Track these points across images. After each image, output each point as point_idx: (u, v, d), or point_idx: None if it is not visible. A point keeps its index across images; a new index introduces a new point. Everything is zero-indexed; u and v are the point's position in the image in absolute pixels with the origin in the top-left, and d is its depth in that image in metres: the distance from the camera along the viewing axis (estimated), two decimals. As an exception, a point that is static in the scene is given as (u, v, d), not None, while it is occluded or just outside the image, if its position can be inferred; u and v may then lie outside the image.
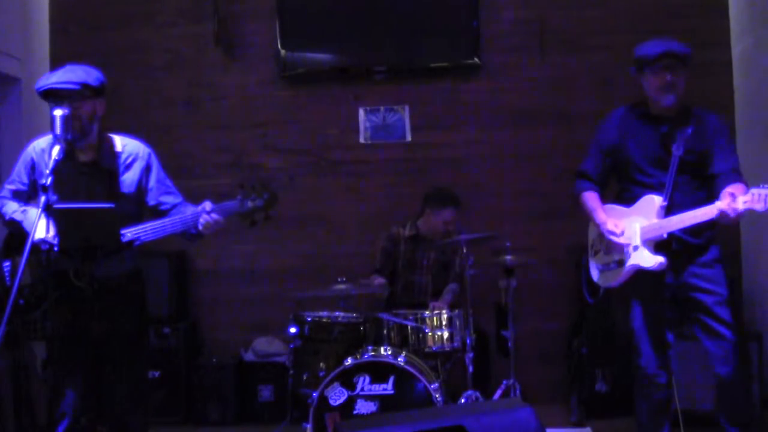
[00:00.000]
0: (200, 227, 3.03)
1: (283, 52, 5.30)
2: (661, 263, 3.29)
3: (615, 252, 3.45)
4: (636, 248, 3.35)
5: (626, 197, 3.49)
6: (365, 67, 5.31)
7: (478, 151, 5.28)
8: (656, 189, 3.35)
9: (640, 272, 3.36)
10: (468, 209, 4.73)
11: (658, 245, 3.32)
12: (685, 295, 3.37)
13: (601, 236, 3.51)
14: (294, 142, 5.39)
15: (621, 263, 3.42)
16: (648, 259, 3.32)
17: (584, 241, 5.02)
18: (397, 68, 5.30)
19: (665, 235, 3.29)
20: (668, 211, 3.30)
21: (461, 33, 5.23)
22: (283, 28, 5.28)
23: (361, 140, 5.36)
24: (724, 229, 3.41)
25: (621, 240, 3.38)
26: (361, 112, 5.36)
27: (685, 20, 5.07)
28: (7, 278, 3.00)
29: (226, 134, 5.42)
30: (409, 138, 5.32)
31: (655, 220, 3.31)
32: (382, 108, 5.34)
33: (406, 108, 5.32)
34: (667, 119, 3.39)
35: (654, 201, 3.32)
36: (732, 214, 3.06)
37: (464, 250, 4.24)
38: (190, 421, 4.96)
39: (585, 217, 3.65)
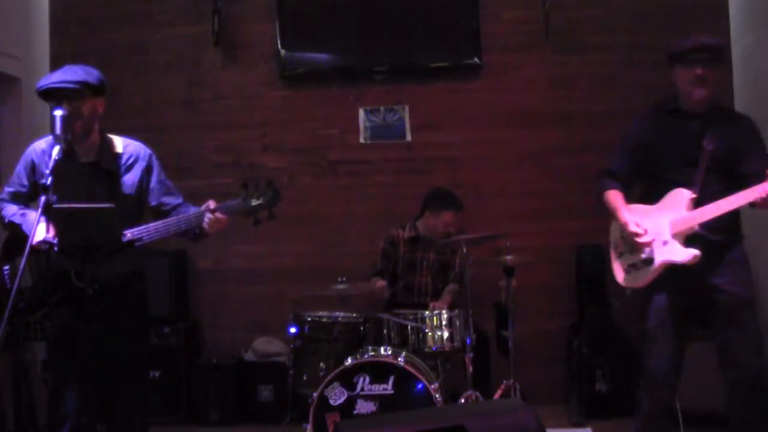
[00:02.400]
0: (204, 226, 3.02)
1: (283, 52, 5.30)
2: (695, 255, 3.17)
3: (642, 251, 3.33)
4: (665, 243, 3.25)
5: (653, 196, 3.38)
6: (365, 67, 5.31)
7: (478, 151, 5.27)
8: (685, 187, 3.25)
9: (670, 268, 3.25)
10: (468, 209, 4.72)
11: (688, 239, 3.22)
12: (707, 296, 3.27)
13: (625, 236, 3.40)
14: (294, 142, 5.39)
15: (649, 261, 3.30)
16: (680, 253, 3.21)
17: (582, 240, 5.09)
18: (397, 68, 5.30)
19: (697, 227, 3.18)
20: (697, 206, 3.20)
21: (461, 33, 5.23)
22: (283, 28, 5.28)
23: (361, 140, 5.35)
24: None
25: (646, 239, 3.28)
26: (361, 112, 5.35)
27: (685, 20, 5.06)
28: (7, 281, 3.00)
29: (226, 134, 5.42)
30: (409, 138, 5.32)
31: (685, 213, 3.22)
32: (382, 108, 5.34)
33: (406, 108, 5.32)
34: (699, 115, 3.31)
35: (683, 194, 3.23)
36: None
37: (464, 250, 4.24)
38: (190, 421, 4.95)
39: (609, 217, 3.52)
